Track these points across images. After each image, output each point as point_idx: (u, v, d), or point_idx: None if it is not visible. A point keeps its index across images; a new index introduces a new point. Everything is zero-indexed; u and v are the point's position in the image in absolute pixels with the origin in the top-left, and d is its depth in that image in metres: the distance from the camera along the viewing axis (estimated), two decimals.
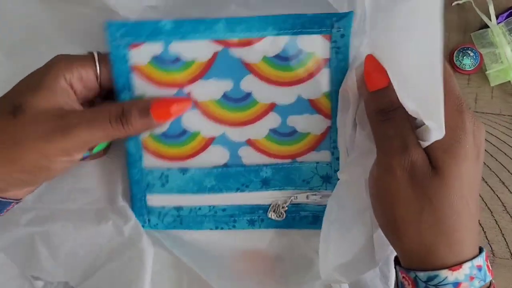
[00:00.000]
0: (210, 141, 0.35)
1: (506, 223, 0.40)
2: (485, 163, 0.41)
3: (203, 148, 0.35)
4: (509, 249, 0.40)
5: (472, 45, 0.42)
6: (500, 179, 0.41)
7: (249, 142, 0.36)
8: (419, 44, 0.27)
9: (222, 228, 0.37)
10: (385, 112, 0.29)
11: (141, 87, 0.34)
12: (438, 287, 0.28)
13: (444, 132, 0.27)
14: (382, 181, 0.29)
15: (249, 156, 0.36)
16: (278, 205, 0.36)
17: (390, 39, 0.30)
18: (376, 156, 0.30)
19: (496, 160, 0.41)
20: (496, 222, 0.40)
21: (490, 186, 0.41)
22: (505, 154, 0.41)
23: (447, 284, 0.27)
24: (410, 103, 0.28)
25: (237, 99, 0.35)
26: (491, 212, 0.40)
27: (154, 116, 0.32)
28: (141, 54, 0.34)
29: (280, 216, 0.36)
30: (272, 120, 0.35)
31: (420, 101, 0.28)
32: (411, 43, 0.28)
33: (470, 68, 0.41)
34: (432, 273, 0.28)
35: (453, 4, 0.43)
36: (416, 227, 0.28)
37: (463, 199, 0.28)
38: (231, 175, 0.36)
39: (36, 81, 0.31)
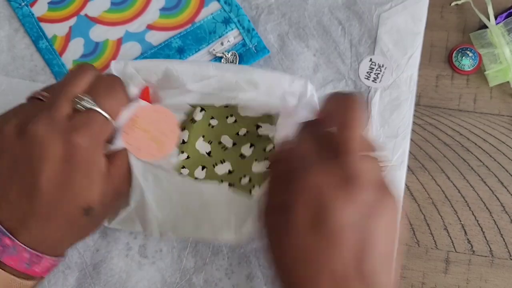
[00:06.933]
0: (120, 41, 0.40)
1: (505, 223, 0.40)
2: (483, 163, 0.41)
3: (117, 49, 0.40)
4: (507, 249, 0.40)
5: (471, 45, 0.42)
6: (498, 179, 0.41)
7: (150, 27, 0.41)
8: None
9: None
10: None
11: (50, 30, 0.41)
12: None
13: None
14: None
15: (156, 37, 0.40)
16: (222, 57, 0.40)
17: None
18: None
19: (495, 160, 0.41)
20: (495, 222, 0.40)
21: (488, 186, 0.41)
22: (503, 154, 0.41)
23: None
24: None
25: (123, 1, 0.41)
26: (490, 212, 0.40)
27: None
28: (40, 6, 0.41)
29: (234, 59, 0.40)
30: (157, 1, 0.41)
31: None
32: None
33: (469, 68, 0.42)
34: None
35: (452, 4, 0.43)
36: None
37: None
38: (151, 58, 0.40)
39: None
